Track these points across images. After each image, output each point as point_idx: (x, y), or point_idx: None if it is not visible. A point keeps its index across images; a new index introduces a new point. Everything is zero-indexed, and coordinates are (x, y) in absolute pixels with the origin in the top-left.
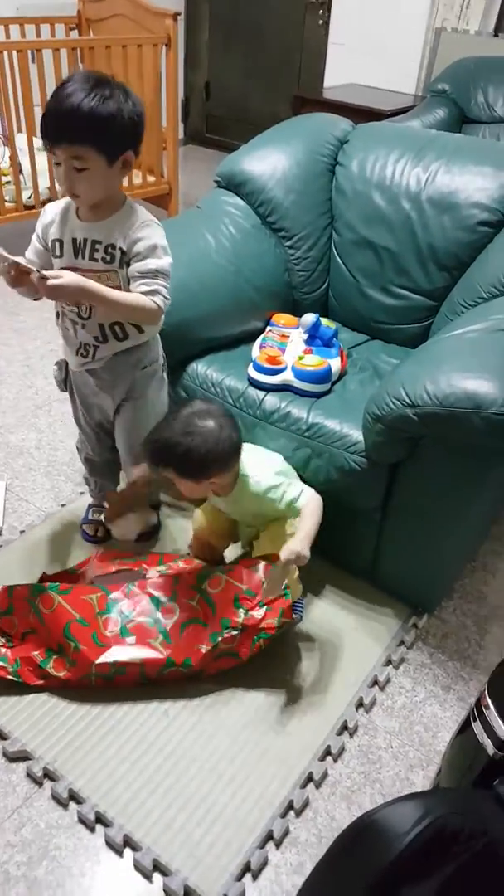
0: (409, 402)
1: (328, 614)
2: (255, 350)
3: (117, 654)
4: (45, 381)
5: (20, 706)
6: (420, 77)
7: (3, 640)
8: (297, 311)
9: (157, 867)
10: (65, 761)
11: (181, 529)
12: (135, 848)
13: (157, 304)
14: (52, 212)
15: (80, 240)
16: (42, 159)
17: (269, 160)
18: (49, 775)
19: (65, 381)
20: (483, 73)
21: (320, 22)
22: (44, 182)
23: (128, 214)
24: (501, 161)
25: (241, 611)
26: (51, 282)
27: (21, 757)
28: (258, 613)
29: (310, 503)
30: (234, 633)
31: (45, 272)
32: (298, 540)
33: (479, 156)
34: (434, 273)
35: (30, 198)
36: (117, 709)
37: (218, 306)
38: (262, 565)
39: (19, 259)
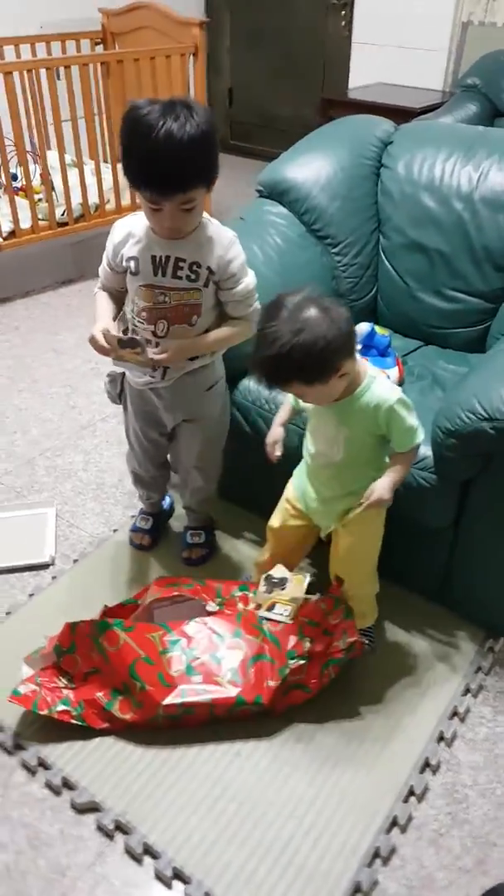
0: (486, 415)
1: (398, 641)
2: None
3: (186, 693)
4: (88, 400)
5: (85, 752)
6: (447, 72)
7: (64, 680)
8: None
9: None
10: (136, 811)
11: (236, 552)
12: None
13: (256, 322)
14: (122, 229)
15: (160, 257)
16: (73, 175)
17: (312, 166)
18: (121, 827)
19: (119, 394)
20: None
21: (343, 23)
22: (76, 198)
23: (211, 231)
24: None
25: (306, 640)
26: (159, 357)
27: (91, 808)
28: (323, 641)
29: (414, 450)
30: (302, 661)
31: (149, 352)
32: (387, 483)
33: None
34: (490, 275)
35: (63, 214)
36: (186, 751)
37: None
38: (316, 597)
39: (121, 335)
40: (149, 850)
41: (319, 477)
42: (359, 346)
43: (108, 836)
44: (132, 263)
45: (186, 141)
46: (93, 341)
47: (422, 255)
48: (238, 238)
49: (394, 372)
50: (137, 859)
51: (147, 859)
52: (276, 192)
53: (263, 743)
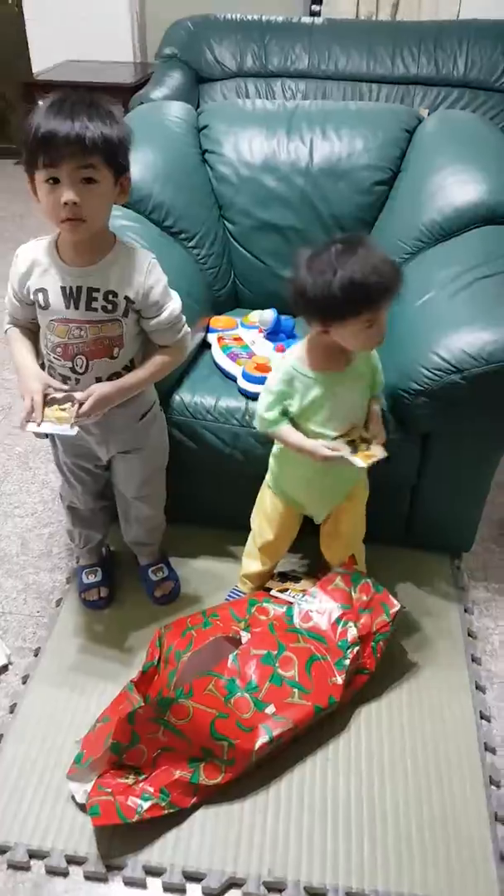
0: (454, 367)
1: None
2: (228, 364)
3: (269, 729)
4: None
5: (185, 836)
6: (134, 43)
7: (132, 776)
8: (217, 311)
9: None
10: (275, 864)
11: (202, 571)
12: None
13: (187, 347)
14: (26, 259)
15: (71, 288)
16: None
17: (142, 162)
18: (271, 887)
19: None
20: (203, 32)
21: (9, 1)
22: None
23: (126, 255)
24: (370, 120)
25: (350, 625)
26: (82, 411)
27: (234, 884)
28: (365, 619)
29: None
30: (356, 648)
31: (75, 396)
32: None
33: (348, 119)
34: None
35: None
36: (279, 783)
37: None
38: (339, 578)
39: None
40: (310, 891)
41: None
42: (264, 332)
43: None
44: (40, 296)
45: (91, 110)
46: (27, 400)
47: (275, 234)
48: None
49: None
50: None
51: None
52: None
53: (342, 739)
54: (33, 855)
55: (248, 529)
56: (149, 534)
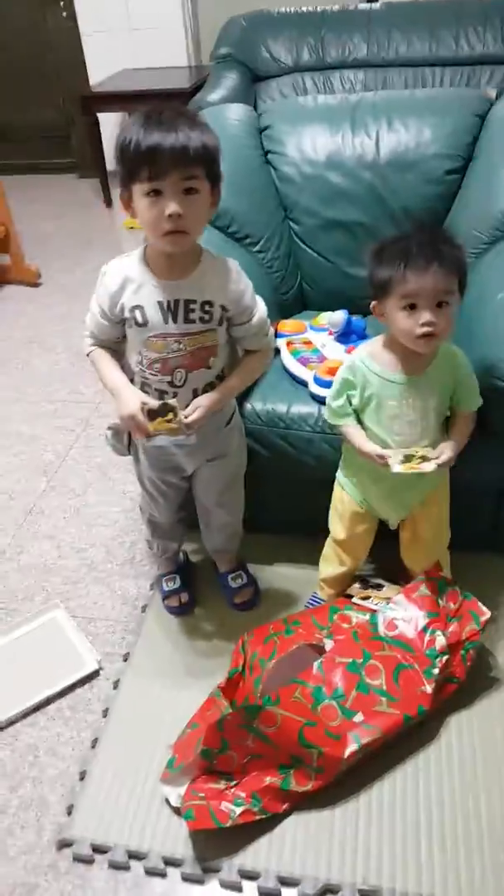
0: None
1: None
2: (298, 368)
3: (358, 737)
4: (11, 478)
5: (279, 841)
6: (188, 45)
7: (224, 781)
8: (283, 314)
9: None
10: (369, 872)
11: (279, 580)
12: None
13: (273, 350)
14: (116, 276)
15: (168, 302)
16: None
17: None
18: (366, 894)
19: (128, 445)
20: (257, 29)
21: (64, 14)
22: None
23: (214, 264)
24: (438, 108)
25: (438, 634)
26: (191, 421)
27: (329, 891)
28: (454, 628)
29: (475, 414)
30: (445, 657)
31: (170, 404)
32: (454, 444)
33: (415, 108)
34: None
35: None
36: (370, 791)
37: None
38: (424, 586)
39: (152, 406)
40: None
41: None
42: (335, 334)
43: None
44: (137, 313)
45: (190, 122)
46: (130, 420)
47: (342, 232)
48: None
49: None
50: None
51: None
52: None
53: (432, 747)
54: (132, 856)
55: (324, 535)
56: (228, 540)
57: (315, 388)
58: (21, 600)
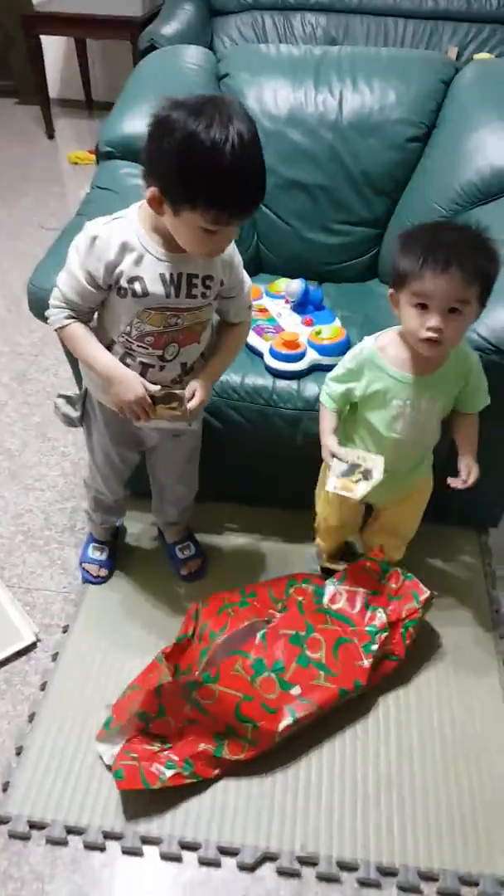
0: (494, 347)
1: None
2: (253, 337)
3: (293, 711)
4: None
5: (217, 810)
6: None
7: (158, 744)
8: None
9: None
10: (307, 838)
11: (228, 548)
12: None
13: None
14: (114, 242)
15: (171, 275)
16: None
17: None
18: (304, 861)
19: (81, 417)
20: None
21: None
22: None
23: None
24: (404, 71)
25: (379, 611)
26: (194, 405)
27: (266, 858)
28: (395, 606)
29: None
30: (384, 634)
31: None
32: (474, 458)
33: (380, 69)
34: (373, 201)
35: None
36: (308, 759)
37: None
38: (368, 564)
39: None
40: (343, 866)
41: (389, 460)
42: (291, 304)
43: (296, 875)
44: (136, 285)
45: (255, 152)
46: (130, 406)
47: (302, 193)
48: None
49: (338, 323)
50: (335, 879)
51: (344, 874)
52: (131, 152)
53: (370, 719)
54: (70, 831)
55: (276, 507)
56: (181, 514)
57: (270, 361)
58: None
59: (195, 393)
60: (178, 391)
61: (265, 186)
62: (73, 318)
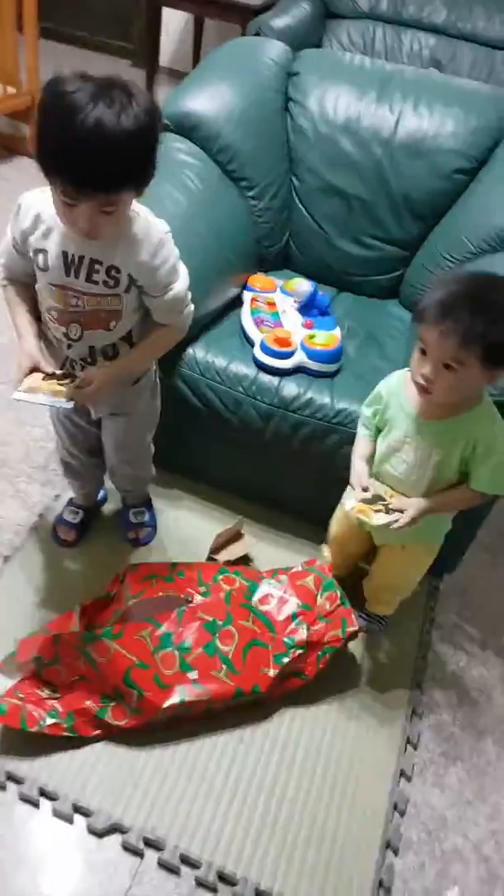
0: None
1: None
2: (251, 327)
3: (184, 693)
4: None
5: (86, 769)
6: None
7: (48, 691)
8: (263, 267)
9: None
10: (159, 823)
11: (182, 521)
12: None
13: (186, 327)
14: (30, 210)
15: (73, 256)
16: None
17: (219, 99)
18: (150, 843)
19: None
20: None
21: None
22: None
23: (135, 230)
24: (468, 102)
25: (303, 627)
26: (84, 392)
27: (112, 830)
28: (320, 627)
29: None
30: (300, 651)
31: (76, 384)
32: (427, 505)
33: (445, 96)
34: (409, 222)
35: None
36: (189, 747)
37: (205, 279)
38: (311, 577)
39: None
40: (186, 860)
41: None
42: (297, 304)
43: (138, 854)
44: (40, 257)
45: (120, 135)
46: (17, 369)
47: (339, 200)
48: (170, 233)
49: (337, 332)
50: (175, 871)
51: (185, 869)
52: (185, 128)
53: (262, 726)
54: None
55: (238, 496)
56: (131, 485)
57: (258, 353)
58: None
59: (91, 382)
60: (77, 373)
61: (119, 172)
62: (9, 281)
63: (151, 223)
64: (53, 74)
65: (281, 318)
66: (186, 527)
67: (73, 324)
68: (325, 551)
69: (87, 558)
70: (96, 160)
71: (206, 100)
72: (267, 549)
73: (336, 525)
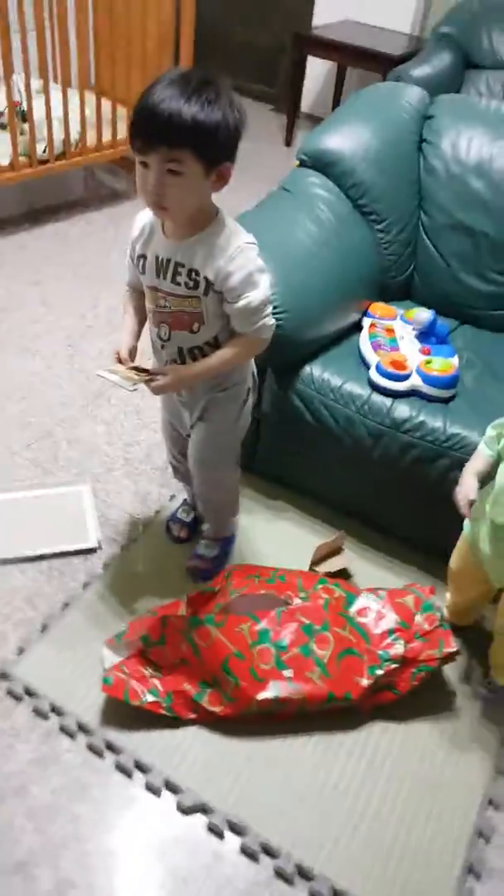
0: None
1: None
2: (368, 350)
3: (278, 689)
4: (94, 363)
5: (180, 749)
6: (417, 16)
7: (151, 670)
8: (385, 297)
9: None
10: (244, 810)
11: (274, 541)
12: None
13: (263, 339)
14: (139, 223)
15: (163, 259)
16: (40, 104)
17: (355, 138)
18: (233, 828)
19: None
20: (488, 15)
21: None
22: (56, 132)
23: (215, 236)
24: None
25: (399, 643)
26: (153, 384)
27: (197, 810)
28: (417, 645)
29: None
30: (394, 665)
31: (152, 373)
32: None
33: None
34: None
35: (44, 151)
36: (280, 744)
37: (328, 303)
38: (411, 597)
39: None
40: (266, 849)
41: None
42: (416, 331)
43: (220, 835)
44: (141, 262)
45: (189, 102)
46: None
47: (467, 237)
48: (254, 245)
49: (455, 360)
50: (255, 857)
51: (265, 857)
52: (321, 164)
53: (352, 735)
54: (54, 709)
55: (339, 511)
56: (204, 508)
57: (374, 375)
58: (60, 467)
59: (167, 374)
60: (151, 368)
61: (181, 127)
62: (129, 286)
63: (234, 232)
64: None
65: (399, 343)
66: (288, 537)
67: (163, 324)
68: (447, 597)
69: None
70: (163, 113)
71: (343, 138)
72: (366, 567)
73: (456, 558)
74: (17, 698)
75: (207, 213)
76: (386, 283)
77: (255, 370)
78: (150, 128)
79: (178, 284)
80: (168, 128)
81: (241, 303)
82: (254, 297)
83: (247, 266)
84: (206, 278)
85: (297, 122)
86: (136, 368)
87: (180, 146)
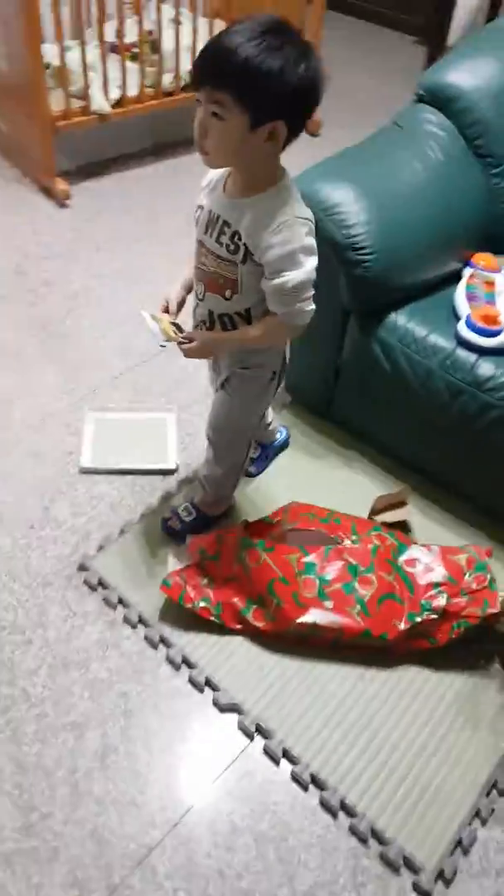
0: None
1: None
2: (462, 302)
3: (318, 616)
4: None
5: (224, 654)
6: None
7: (206, 580)
8: (495, 248)
9: (374, 834)
10: (273, 717)
11: (334, 487)
12: (350, 813)
13: (296, 325)
14: (208, 176)
15: (214, 214)
16: (186, 33)
17: (481, 73)
18: (261, 731)
19: None
20: None
21: None
22: (185, 63)
23: (269, 201)
24: None
25: (443, 596)
26: (184, 347)
27: (232, 709)
28: (461, 601)
29: None
30: (435, 616)
31: (181, 337)
32: None
33: None
34: None
35: (171, 83)
36: (314, 667)
37: (425, 249)
38: (465, 556)
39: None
40: (287, 755)
41: None
42: None
43: (249, 736)
44: (198, 213)
45: (253, 39)
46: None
47: None
48: (308, 222)
49: None
50: (275, 760)
51: (284, 762)
52: (440, 100)
53: (385, 672)
54: (121, 601)
55: (407, 465)
56: (203, 476)
57: (461, 328)
58: (153, 394)
59: (193, 336)
60: (187, 332)
61: (224, 68)
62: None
63: (288, 204)
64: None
65: (496, 298)
66: (350, 485)
67: (200, 282)
68: None
69: (265, 494)
70: (219, 49)
71: (467, 72)
72: (427, 523)
73: None
74: (92, 588)
75: (267, 175)
76: (497, 234)
77: (287, 355)
78: (202, 62)
79: (221, 245)
80: (216, 65)
81: (278, 280)
82: (292, 277)
83: (291, 241)
84: (245, 245)
85: (440, 59)
86: (176, 325)
87: (223, 88)
